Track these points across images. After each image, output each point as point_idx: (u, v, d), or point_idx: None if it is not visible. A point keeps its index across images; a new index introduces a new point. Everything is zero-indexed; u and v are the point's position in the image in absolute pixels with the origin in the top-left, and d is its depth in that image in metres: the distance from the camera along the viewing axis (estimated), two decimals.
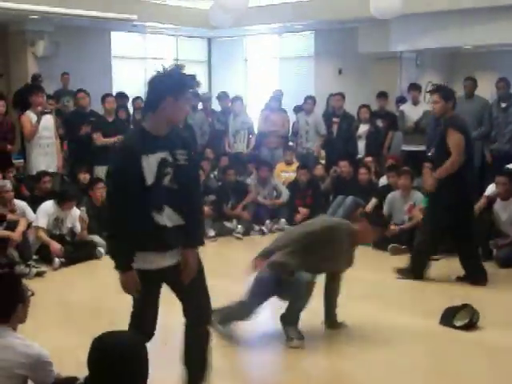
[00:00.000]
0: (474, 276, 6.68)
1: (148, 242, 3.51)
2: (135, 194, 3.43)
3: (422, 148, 10.12)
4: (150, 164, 3.42)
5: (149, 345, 2.81)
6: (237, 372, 4.85)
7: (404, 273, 6.86)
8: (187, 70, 3.61)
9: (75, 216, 7.81)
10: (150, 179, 3.44)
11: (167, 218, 3.51)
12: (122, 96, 11.67)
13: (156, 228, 3.49)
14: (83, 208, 7.96)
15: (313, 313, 5.17)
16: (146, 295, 3.62)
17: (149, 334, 3.68)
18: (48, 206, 7.68)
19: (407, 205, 8.28)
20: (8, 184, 7.75)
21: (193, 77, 3.61)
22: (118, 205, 3.48)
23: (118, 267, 3.51)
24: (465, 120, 7.15)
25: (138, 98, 11.92)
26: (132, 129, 3.39)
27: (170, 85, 3.50)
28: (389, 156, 10.45)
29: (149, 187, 3.45)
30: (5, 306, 3.25)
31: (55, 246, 7.46)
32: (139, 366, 2.60)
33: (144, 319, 3.70)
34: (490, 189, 7.88)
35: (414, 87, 10.59)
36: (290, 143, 11.54)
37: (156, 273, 3.57)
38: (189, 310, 3.75)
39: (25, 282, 3.61)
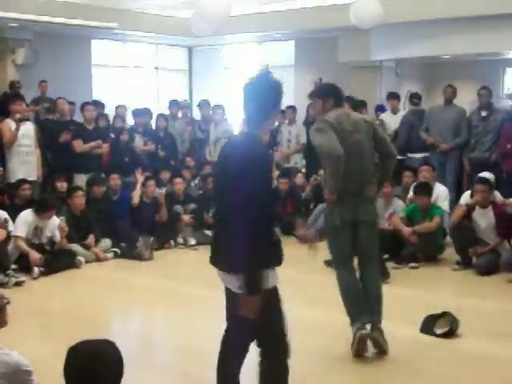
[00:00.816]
0: None
1: (274, 257, 3.36)
2: (269, 202, 3.32)
3: (401, 156, 10.19)
4: None
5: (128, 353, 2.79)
6: None
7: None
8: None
9: (55, 225, 7.76)
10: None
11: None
12: (98, 104, 11.56)
13: (277, 241, 3.40)
14: (62, 217, 7.92)
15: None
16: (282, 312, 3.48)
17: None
18: (27, 214, 7.63)
19: (387, 212, 8.31)
20: None
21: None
22: (260, 217, 3.22)
23: (253, 290, 3.24)
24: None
25: (120, 106, 11.87)
26: (247, 135, 3.14)
27: (279, 94, 3.47)
28: None
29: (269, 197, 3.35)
30: None
31: (34, 255, 7.41)
32: (115, 372, 2.58)
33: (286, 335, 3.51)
34: (465, 197, 7.93)
35: (393, 96, 10.64)
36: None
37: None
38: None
39: (2, 291, 3.57)
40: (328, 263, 6.61)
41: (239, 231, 3.22)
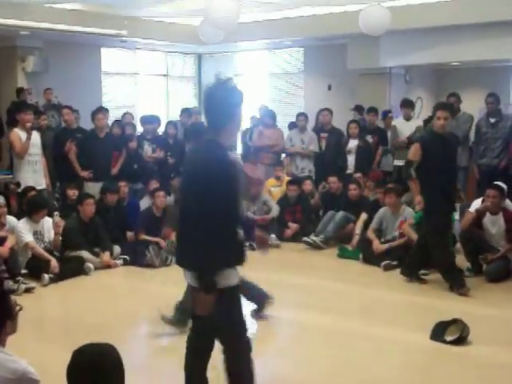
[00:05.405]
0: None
1: (236, 257, 3.61)
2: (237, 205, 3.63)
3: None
4: None
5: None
6: None
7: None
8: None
9: (50, 226, 7.81)
10: None
11: None
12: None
13: (241, 242, 3.69)
14: (57, 213, 7.95)
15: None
16: None
17: None
18: (24, 222, 7.66)
19: (398, 221, 8.29)
20: (1, 199, 7.77)
21: None
22: (229, 220, 3.54)
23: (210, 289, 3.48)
24: None
25: (127, 113, 11.89)
26: (209, 142, 3.57)
27: (239, 100, 3.74)
28: (372, 173, 10.35)
29: None
30: None
31: (54, 263, 7.46)
32: (119, 375, 2.59)
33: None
34: (474, 205, 7.88)
35: (407, 103, 10.59)
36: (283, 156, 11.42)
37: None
38: None
39: (13, 297, 3.57)
40: None
41: (211, 234, 3.41)
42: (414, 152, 6.96)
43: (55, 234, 7.81)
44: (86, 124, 10.48)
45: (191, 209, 3.52)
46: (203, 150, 3.64)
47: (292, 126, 11.88)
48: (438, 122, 6.93)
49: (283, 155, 11.29)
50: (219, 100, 3.56)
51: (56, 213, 7.93)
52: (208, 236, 3.40)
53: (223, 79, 3.60)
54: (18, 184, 8.63)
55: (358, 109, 12.16)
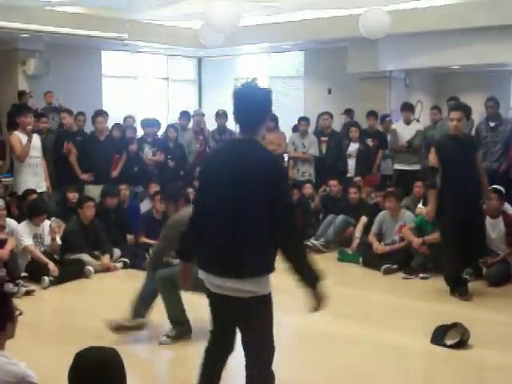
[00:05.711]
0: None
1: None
2: None
3: (415, 167, 10.11)
4: None
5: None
6: None
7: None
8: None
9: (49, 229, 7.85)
10: None
11: None
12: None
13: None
14: (54, 218, 7.96)
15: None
16: None
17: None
18: (23, 225, 7.68)
19: (397, 225, 8.30)
20: (1, 202, 7.77)
21: None
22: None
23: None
24: None
25: (128, 116, 11.86)
26: (256, 143, 3.34)
27: (270, 101, 3.78)
28: (367, 178, 10.30)
29: None
30: None
31: (53, 266, 7.46)
32: (121, 379, 2.59)
33: None
34: None
35: (407, 107, 10.60)
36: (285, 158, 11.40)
37: None
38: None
39: (14, 300, 3.58)
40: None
41: (292, 238, 3.49)
42: (434, 157, 6.80)
43: (52, 239, 7.82)
44: (88, 127, 10.49)
45: (243, 211, 3.36)
46: (246, 151, 3.50)
47: (296, 129, 11.87)
48: (450, 124, 6.87)
49: (286, 159, 11.29)
50: (253, 101, 3.57)
51: (53, 218, 7.92)
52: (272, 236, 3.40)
53: (251, 81, 3.64)
54: (15, 194, 8.68)
55: (348, 112, 12.22)
